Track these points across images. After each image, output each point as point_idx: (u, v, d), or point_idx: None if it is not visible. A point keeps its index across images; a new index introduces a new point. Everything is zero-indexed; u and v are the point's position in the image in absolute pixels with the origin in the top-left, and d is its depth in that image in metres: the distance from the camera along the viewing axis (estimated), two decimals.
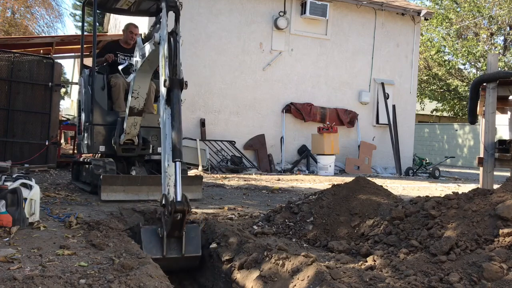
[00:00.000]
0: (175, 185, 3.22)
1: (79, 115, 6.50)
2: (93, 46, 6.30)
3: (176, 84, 3.45)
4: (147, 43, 4.30)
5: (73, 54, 13.99)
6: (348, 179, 4.78)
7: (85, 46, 9.73)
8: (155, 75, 6.24)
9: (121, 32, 6.99)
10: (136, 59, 4.77)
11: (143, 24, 10.70)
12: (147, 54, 4.30)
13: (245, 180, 8.59)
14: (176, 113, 3.36)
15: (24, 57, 8.81)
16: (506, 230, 2.72)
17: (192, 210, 3.88)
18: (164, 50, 3.56)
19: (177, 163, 3.26)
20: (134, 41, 6.67)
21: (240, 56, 11.65)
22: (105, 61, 6.18)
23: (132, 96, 5.10)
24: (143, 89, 5.08)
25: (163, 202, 3.23)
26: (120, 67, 5.31)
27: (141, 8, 6.60)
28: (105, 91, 6.01)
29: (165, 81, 3.44)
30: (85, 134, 5.97)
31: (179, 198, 3.13)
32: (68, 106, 27.07)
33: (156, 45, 3.86)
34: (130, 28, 6.47)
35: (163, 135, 3.46)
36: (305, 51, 12.30)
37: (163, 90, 3.46)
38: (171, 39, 3.58)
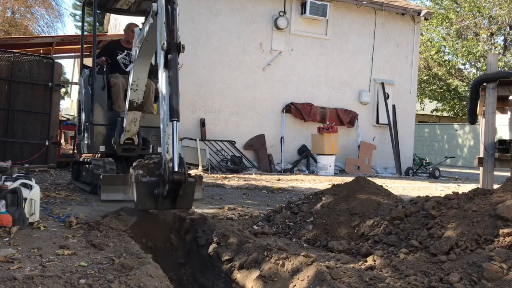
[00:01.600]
0: (172, 151, 3.30)
1: (79, 115, 6.51)
2: (93, 46, 6.30)
3: (174, 47, 3.54)
4: (145, 23, 4.34)
5: (73, 54, 13.99)
6: (348, 179, 4.78)
7: (85, 46, 9.69)
8: (155, 75, 6.25)
9: (121, 32, 7.00)
10: (135, 48, 4.77)
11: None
12: (145, 33, 4.32)
13: (245, 180, 8.59)
14: (173, 76, 3.47)
15: (24, 57, 8.80)
16: (506, 230, 2.72)
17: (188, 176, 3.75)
18: (162, 16, 3.65)
19: (174, 123, 3.33)
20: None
21: (240, 56, 11.65)
22: (99, 64, 6.16)
23: (131, 89, 5.08)
24: (142, 80, 5.06)
25: (162, 163, 3.30)
26: (128, 68, 5.26)
27: (141, 8, 6.60)
28: (105, 91, 6.01)
29: (163, 44, 3.53)
30: (85, 134, 5.98)
31: (176, 168, 3.21)
32: (68, 106, 27.06)
33: (153, 17, 3.92)
34: (132, 28, 6.47)
35: (161, 98, 3.54)
36: (305, 51, 12.30)
37: (161, 54, 3.57)
38: (169, 7, 3.68)
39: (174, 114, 3.37)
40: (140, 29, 4.68)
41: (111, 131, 5.76)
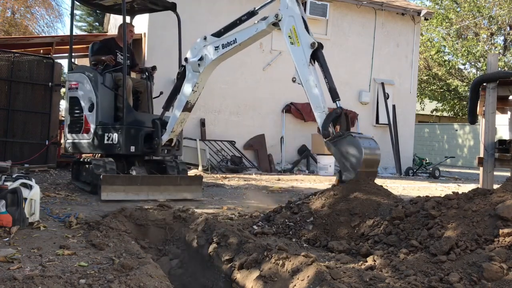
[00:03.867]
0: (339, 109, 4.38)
1: (73, 113, 6.33)
2: (123, 45, 6.16)
3: (321, 45, 4.41)
4: (246, 29, 4.99)
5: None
6: None
7: (85, 46, 9.69)
8: (149, 77, 6.30)
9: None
10: (205, 53, 5.15)
11: (143, 23, 10.70)
12: (245, 39, 4.99)
13: (245, 180, 8.59)
14: (325, 67, 4.39)
15: (24, 57, 8.79)
16: (506, 230, 2.72)
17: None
18: (297, 21, 4.44)
19: (338, 102, 4.40)
20: (132, 39, 6.68)
21: (240, 56, 11.56)
22: (105, 62, 6.12)
23: (192, 90, 5.32)
24: (203, 83, 5.38)
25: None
26: (201, 69, 5.35)
27: (134, 8, 6.65)
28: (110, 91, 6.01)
29: (313, 43, 4.37)
30: (107, 134, 5.84)
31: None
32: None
33: (269, 25, 4.79)
34: (129, 27, 6.47)
35: (310, 88, 4.41)
36: None
37: (305, 52, 4.39)
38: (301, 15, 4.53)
39: (336, 95, 4.38)
40: (215, 34, 5.18)
41: (139, 132, 5.76)
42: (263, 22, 4.89)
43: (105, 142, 5.83)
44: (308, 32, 4.44)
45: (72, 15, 7.12)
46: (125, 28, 5.94)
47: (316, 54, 4.40)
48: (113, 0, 6.30)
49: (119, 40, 6.45)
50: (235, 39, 5.07)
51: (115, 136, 5.74)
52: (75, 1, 6.56)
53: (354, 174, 4.07)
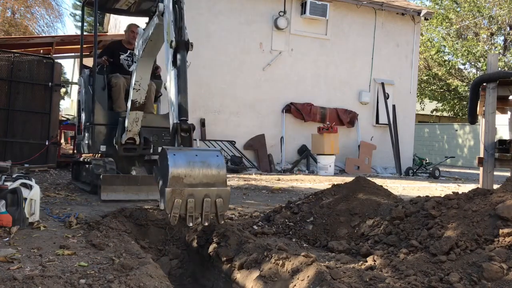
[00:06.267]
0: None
1: (79, 115, 6.52)
2: (94, 46, 6.29)
3: (182, 45, 3.54)
4: (149, 23, 4.33)
5: (73, 54, 13.98)
6: (348, 179, 4.78)
7: (85, 46, 9.71)
8: (155, 76, 6.24)
9: (121, 32, 7.00)
10: (137, 48, 4.77)
11: (142, 24, 10.70)
12: (150, 34, 4.30)
13: (245, 180, 8.59)
14: (182, 73, 3.44)
15: (24, 57, 8.81)
16: (506, 230, 2.72)
17: None
18: (169, 15, 3.63)
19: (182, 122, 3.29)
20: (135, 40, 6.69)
21: (240, 56, 11.64)
22: (100, 64, 6.14)
23: (134, 89, 5.06)
24: (145, 80, 5.06)
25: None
26: (131, 68, 5.18)
27: (141, 8, 6.61)
28: (105, 91, 6.00)
29: (171, 42, 3.52)
30: (86, 134, 5.96)
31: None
32: (68, 106, 27.07)
33: (159, 17, 3.89)
34: (132, 28, 6.48)
35: (169, 96, 3.50)
36: (305, 51, 12.29)
37: (169, 52, 3.54)
38: (176, 6, 3.64)
39: (182, 113, 3.30)
40: (143, 30, 4.67)
41: (112, 131, 5.74)
42: (155, 17, 4.09)
43: (85, 142, 5.97)
44: (180, 28, 3.59)
45: (83, 21, 7.19)
46: (96, 25, 6.08)
47: (175, 56, 3.51)
48: (125, 4, 6.32)
49: (125, 42, 6.47)
50: (149, 33, 4.44)
51: (87, 135, 5.87)
52: (85, 7, 6.64)
53: (162, 198, 2.93)
